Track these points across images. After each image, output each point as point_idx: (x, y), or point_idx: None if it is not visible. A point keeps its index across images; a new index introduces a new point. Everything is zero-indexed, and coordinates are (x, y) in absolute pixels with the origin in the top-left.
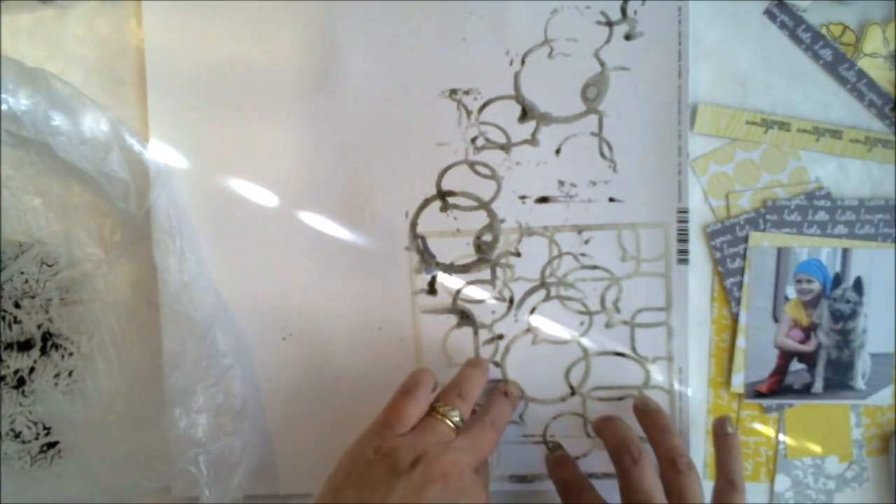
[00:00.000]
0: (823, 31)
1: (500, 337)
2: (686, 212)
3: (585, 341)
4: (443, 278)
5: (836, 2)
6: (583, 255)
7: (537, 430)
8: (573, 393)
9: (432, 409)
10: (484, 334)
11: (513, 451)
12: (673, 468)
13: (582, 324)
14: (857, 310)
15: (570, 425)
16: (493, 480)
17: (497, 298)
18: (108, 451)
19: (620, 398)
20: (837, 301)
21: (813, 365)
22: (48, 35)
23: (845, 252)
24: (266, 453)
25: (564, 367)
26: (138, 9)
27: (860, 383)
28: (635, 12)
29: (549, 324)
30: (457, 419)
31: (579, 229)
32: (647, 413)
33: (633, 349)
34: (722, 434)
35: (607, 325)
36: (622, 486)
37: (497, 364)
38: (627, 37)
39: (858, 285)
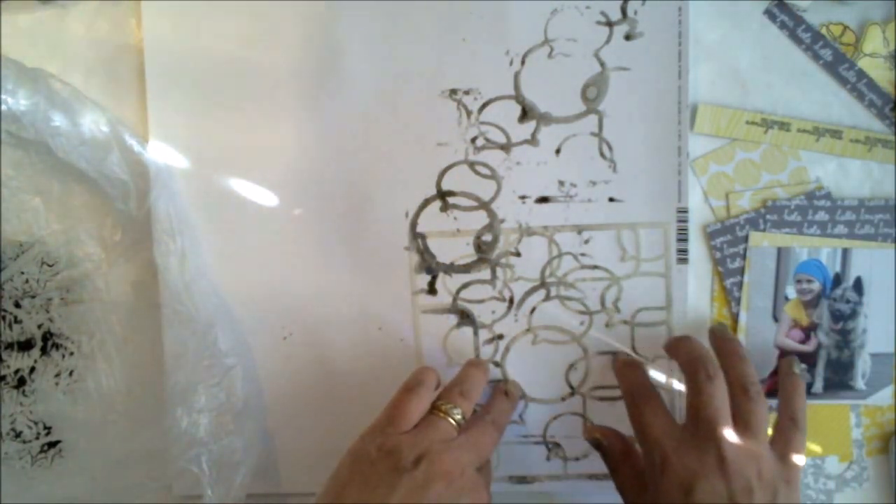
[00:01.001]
0: (823, 31)
1: (500, 337)
2: (686, 211)
3: (585, 341)
4: (443, 278)
5: (836, 2)
6: (583, 254)
7: (537, 430)
8: (573, 393)
9: (434, 407)
10: (484, 334)
11: (513, 452)
12: (745, 394)
13: (582, 323)
14: (857, 310)
15: (570, 425)
16: (494, 481)
17: (497, 298)
18: (109, 450)
19: (621, 398)
20: (837, 301)
21: (813, 365)
22: (48, 35)
23: (845, 252)
24: (268, 452)
25: (564, 367)
26: (138, 9)
27: (860, 383)
28: (635, 12)
29: (549, 323)
30: (459, 417)
31: (579, 229)
32: (724, 340)
33: (634, 349)
34: (788, 373)
35: (607, 325)
36: (691, 402)
37: (497, 364)
38: (627, 37)
39: (858, 285)
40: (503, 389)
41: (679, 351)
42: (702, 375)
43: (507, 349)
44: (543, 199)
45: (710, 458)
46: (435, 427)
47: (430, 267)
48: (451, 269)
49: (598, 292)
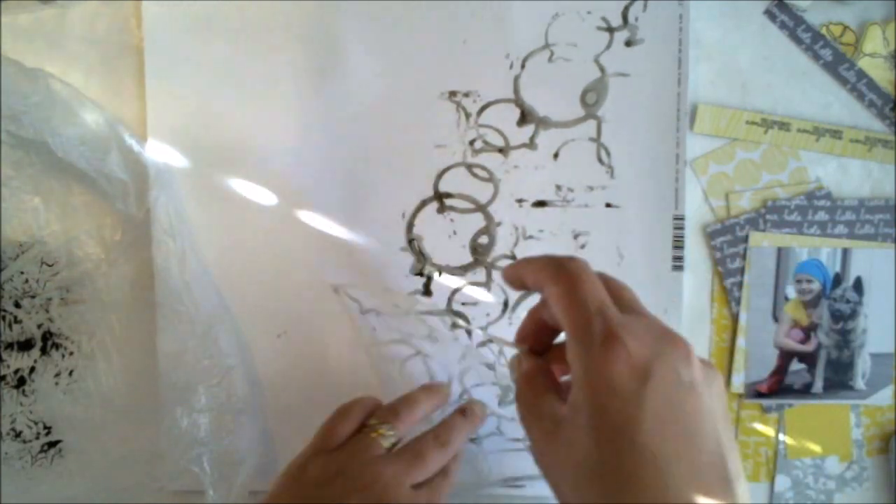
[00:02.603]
0: (823, 31)
1: (494, 340)
2: (682, 219)
3: None
4: (438, 280)
5: (836, 2)
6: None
7: None
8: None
9: (364, 426)
10: (478, 336)
11: (507, 456)
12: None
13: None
14: (857, 310)
15: None
16: (488, 486)
17: (492, 301)
18: (109, 450)
19: None
20: (837, 301)
21: (813, 365)
22: (48, 35)
23: (845, 252)
24: (269, 451)
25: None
26: (138, 9)
27: (860, 383)
28: (636, 19)
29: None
30: (391, 434)
31: (575, 234)
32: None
33: None
34: None
35: None
36: (578, 300)
37: (490, 366)
38: (628, 43)
39: (858, 285)
40: (461, 408)
41: (525, 273)
42: (570, 269)
43: (500, 351)
44: (540, 203)
45: (659, 336)
46: (358, 443)
47: (426, 268)
48: (446, 270)
49: None
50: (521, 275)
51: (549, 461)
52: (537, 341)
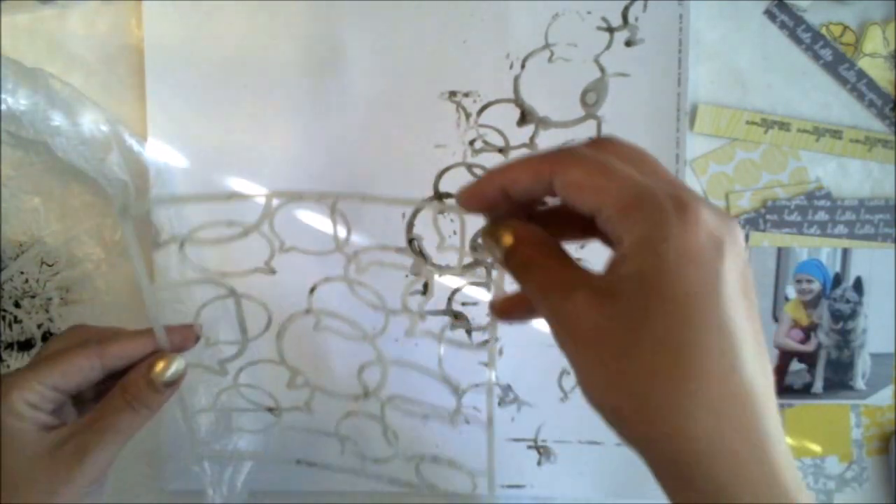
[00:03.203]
0: (823, 31)
1: (494, 339)
2: None
3: None
4: (438, 280)
5: (836, 2)
6: (578, 259)
7: (529, 433)
8: (566, 396)
9: None
10: (477, 336)
11: (504, 459)
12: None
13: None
14: (857, 310)
15: (563, 429)
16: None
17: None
18: None
19: None
20: (837, 301)
21: (813, 365)
22: (48, 35)
23: (845, 252)
24: (269, 451)
25: (558, 371)
26: (138, 9)
27: (860, 383)
28: (636, 19)
29: (543, 327)
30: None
31: None
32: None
33: None
34: None
35: None
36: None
37: (486, 364)
38: (628, 43)
39: (858, 285)
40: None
41: (512, 175)
42: (584, 152)
43: (500, 351)
44: (540, 204)
45: (719, 210)
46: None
47: (426, 268)
48: (446, 270)
49: None
50: (496, 181)
51: (583, 333)
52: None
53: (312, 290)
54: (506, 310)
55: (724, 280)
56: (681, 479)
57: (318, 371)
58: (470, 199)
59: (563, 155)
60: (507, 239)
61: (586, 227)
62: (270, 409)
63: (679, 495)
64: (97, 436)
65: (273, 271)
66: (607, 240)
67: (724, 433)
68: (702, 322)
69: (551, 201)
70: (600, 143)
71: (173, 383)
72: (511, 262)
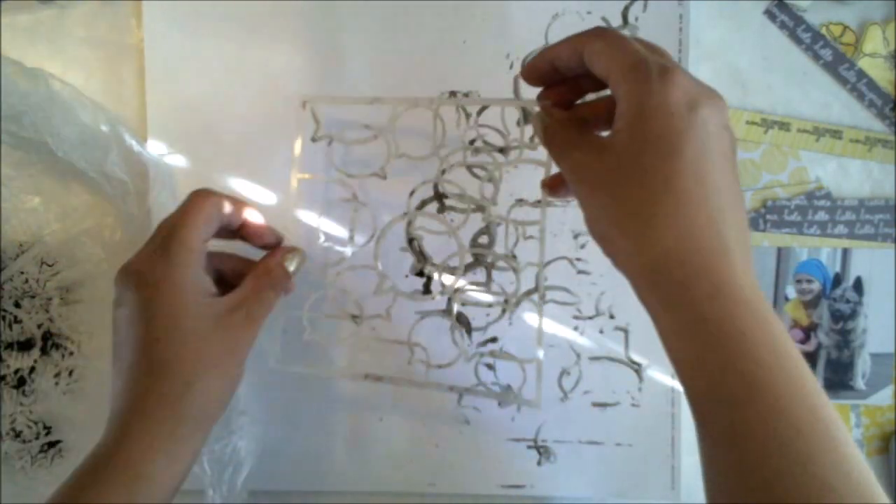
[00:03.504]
0: (823, 31)
1: (494, 339)
2: None
3: (579, 346)
4: (438, 280)
5: (836, 2)
6: (578, 259)
7: (529, 433)
8: (566, 397)
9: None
10: (477, 336)
11: (505, 458)
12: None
13: (576, 328)
14: (857, 310)
15: (562, 429)
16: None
17: (491, 301)
18: None
19: (615, 404)
20: (837, 301)
21: (813, 365)
22: (48, 35)
23: (845, 252)
24: (269, 451)
25: (557, 372)
26: (138, 9)
27: (860, 383)
28: (636, 19)
29: (542, 328)
30: None
31: (575, 234)
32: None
33: (627, 354)
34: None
35: (601, 331)
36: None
37: (490, 366)
38: None
39: (858, 285)
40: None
41: (557, 50)
42: (612, 30)
43: (500, 350)
44: (540, 203)
45: (702, 83)
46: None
47: (426, 268)
48: (446, 270)
49: (592, 297)
50: (547, 56)
51: (588, 176)
52: (556, 94)
53: (412, 193)
54: (553, 185)
55: (694, 129)
56: (655, 285)
57: (401, 280)
58: (530, 73)
59: (592, 31)
60: (545, 118)
61: (606, 111)
62: (354, 317)
63: (652, 298)
64: (259, 305)
65: (385, 176)
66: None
67: (688, 243)
68: (675, 162)
69: (590, 97)
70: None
71: (294, 273)
72: (546, 135)
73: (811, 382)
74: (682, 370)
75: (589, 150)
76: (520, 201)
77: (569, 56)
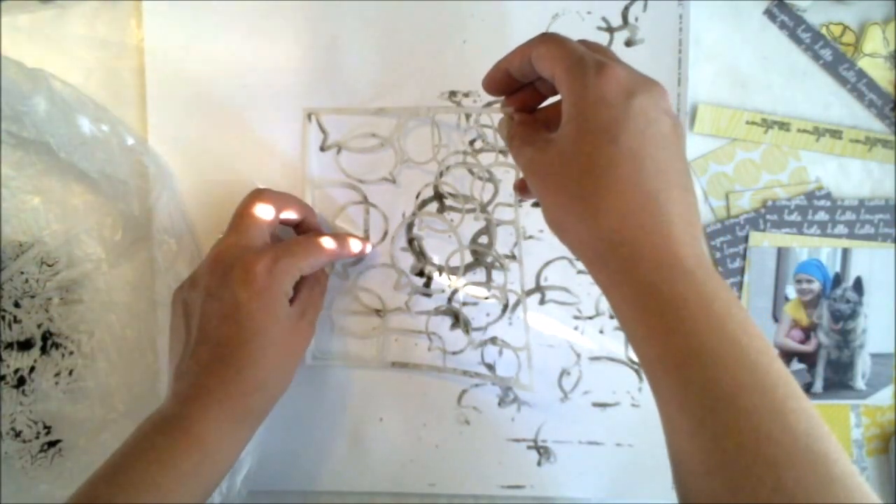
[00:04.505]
0: (823, 31)
1: (494, 339)
2: None
3: (579, 346)
4: (438, 280)
5: (836, 2)
6: (578, 259)
7: (529, 434)
8: (566, 397)
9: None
10: (477, 336)
11: (505, 458)
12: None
13: (576, 328)
14: (857, 310)
15: (562, 430)
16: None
17: (491, 301)
18: (109, 450)
19: (616, 404)
20: (837, 301)
21: (813, 365)
22: (48, 35)
23: (845, 252)
24: (268, 451)
25: (557, 372)
26: (138, 9)
27: (860, 383)
28: (636, 19)
29: (542, 327)
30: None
31: None
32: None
33: (627, 354)
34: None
35: (601, 331)
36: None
37: (490, 366)
38: (628, 43)
39: (858, 285)
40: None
41: (508, 60)
42: (554, 33)
43: (500, 352)
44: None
45: (641, 74)
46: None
47: (426, 268)
48: (446, 270)
49: (592, 297)
50: (502, 66)
51: (539, 169)
52: (518, 101)
53: (418, 195)
54: (522, 186)
55: (631, 117)
56: (604, 264)
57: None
58: (488, 84)
59: (537, 37)
60: (509, 122)
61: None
62: (377, 311)
63: (602, 275)
64: (315, 311)
65: (394, 180)
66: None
67: (629, 221)
68: (612, 149)
69: (550, 100)
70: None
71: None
72: (510, 138)
73: (757, 340)
74: (634, 341)
75: (540, 147)
76: (520, 201)
77: (520, 63)
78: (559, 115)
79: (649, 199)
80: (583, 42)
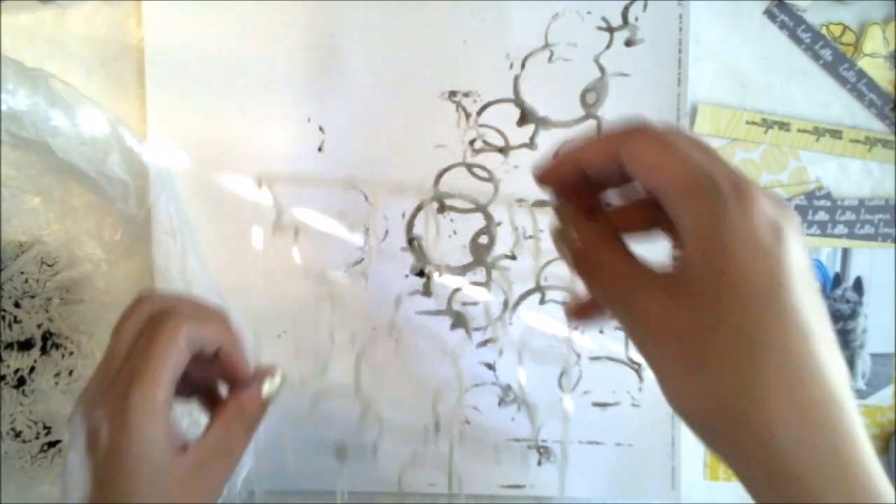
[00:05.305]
0: (823, 31)
1: (494, 340)
2: None
3: (579, 346)
4: (438, 280)
5: (836, 2)
6: None
7: (529, 433)
8: (566, 397)
9: None
10: (477, 336)
11: (505, 458)
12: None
13: (576, 328)
14: (857, 310)
15: (562, 430)
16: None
17: (491, 301)
18: None
19: (615, 404)
20: (837, 301)
21: None
22: (48, 35)
23: (845, 252)
24: (268, 451)
25: (557, 372)
26: (138, 8)
27: (860, 383)
28: (636, 19)
29: (543, 327)
30: None
31: None
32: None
33: (627, 354)
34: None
35: (601, 331)
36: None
37: (490, 366)
38: (628, 43)
39: (858, 285)
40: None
41: (584, 151)
42: (651, 128)
43: (500, 352)
44: (540, 203)
45: (774, 195)
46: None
47: (426, 268)
48: (446, 270)
49: None
50: (573, 157)
51: (661, 327)
52: (579, 201)
53: (419, 207)
54: (582, 313)
55: (787, 270)
56: (766, 479)
57: (390, 402)
58: (549, 176)
59: (630, 130)
60: (575, 238)
61: (649, 222)
62: (338, 452)
63: (764, 495)
64: (225, 460)
65: (366, 277)
66: (668, 230)
67: (804, 428)
68: (772, 315)
69: (615, 202)
70: (668, 126)
71: (272, 400)
72: (579, 264)
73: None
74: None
75: (657, 297)
76: (520, 201)
77: (603, 161)
78: (635, 223)
79: (825, 391)
80: (687, 139)
